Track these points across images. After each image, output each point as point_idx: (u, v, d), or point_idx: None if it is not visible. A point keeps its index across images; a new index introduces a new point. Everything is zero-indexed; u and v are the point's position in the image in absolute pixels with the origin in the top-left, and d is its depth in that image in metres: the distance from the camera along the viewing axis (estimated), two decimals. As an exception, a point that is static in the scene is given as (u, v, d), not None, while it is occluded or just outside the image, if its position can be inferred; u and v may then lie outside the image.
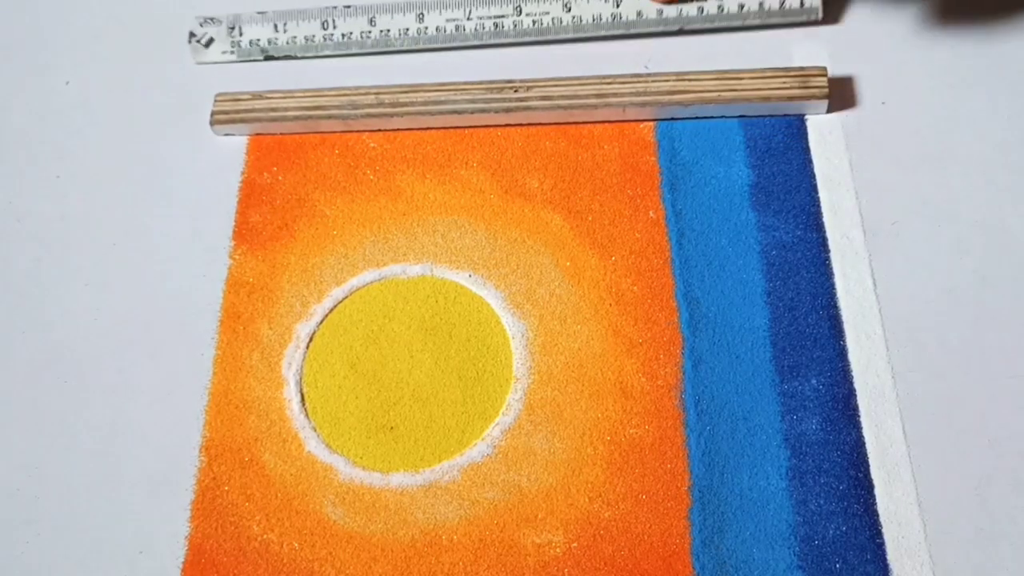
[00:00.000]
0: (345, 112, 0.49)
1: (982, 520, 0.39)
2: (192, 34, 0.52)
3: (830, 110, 0.48)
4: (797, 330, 0.43)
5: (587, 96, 0.48)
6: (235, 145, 0.51)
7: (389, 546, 0.40)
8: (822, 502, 0.40)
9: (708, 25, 0.50)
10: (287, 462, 0.42)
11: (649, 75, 0.49)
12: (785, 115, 0.48)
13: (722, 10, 0.50)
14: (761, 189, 0.46)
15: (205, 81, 0.52)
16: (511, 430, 0.42)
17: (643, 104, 0.48)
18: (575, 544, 0.40)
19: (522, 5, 0.51)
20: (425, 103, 0.49)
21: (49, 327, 0.46)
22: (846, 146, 0.47)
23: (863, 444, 0.40)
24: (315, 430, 0.43)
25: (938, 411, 0.41)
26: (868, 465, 0.40)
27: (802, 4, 0.50)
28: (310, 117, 0.50)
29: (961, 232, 0.44)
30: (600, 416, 0.42)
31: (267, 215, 0.48)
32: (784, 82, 0.47)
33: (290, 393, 0.44)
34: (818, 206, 0.46)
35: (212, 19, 0.52)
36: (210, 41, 0.52)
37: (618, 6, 0.50)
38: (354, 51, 0.52)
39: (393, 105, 0.49)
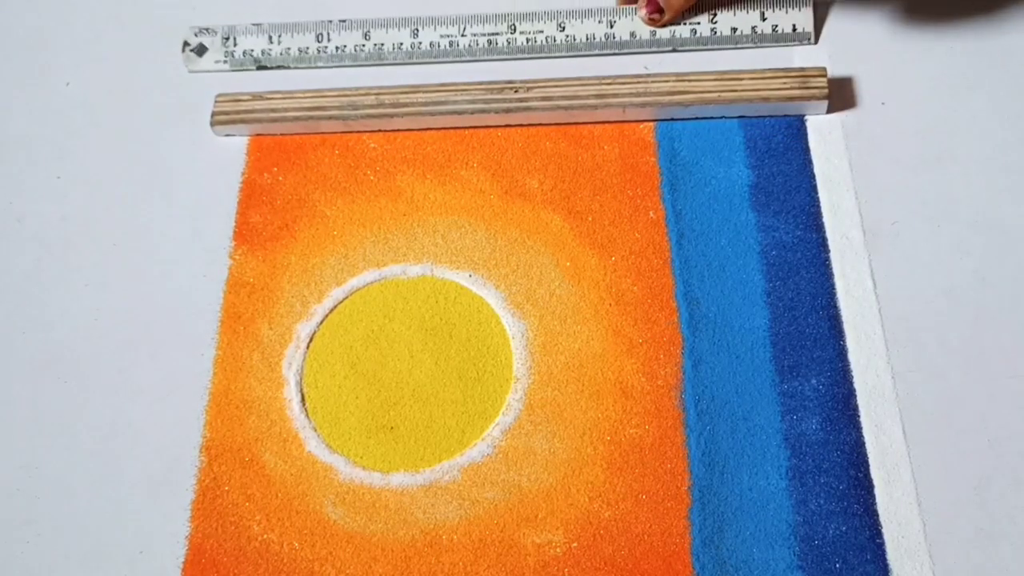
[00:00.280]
0: (345, 113, 0.49)
1: (982, 520, 0.39)
2: (186, 43, 0.52)
3: (830, 110, 0.48)
4: (797, 330, 0.43)
5: (587, 96, 0.48)
6: (235, 145, 0.51)
7: (389, 546, 0.40)
8: (822, 502, 0.40)
9: (701, 47, 0.50)
10: (287, 462, 0.42)
11: (649, 76, 0.49)
12: (785, 115, 0.48)
13: (715, 32, 0.50)
14: (761, 189, 0.46)
15: (205, 82, 0.53)
16: (511, 430, 0.42)
17: (643, 104, 0.48)
18: (575, 544, 0.40)
19: (516, 23, 0.51)
20: (425, 103, 0.49)
21: (49, 327, 0.47)
22: (846, 146, 0.47)
23: (863, 444, 0.40)
24: (315, 430, 0.43)
25: (938, 411, 0.41)
26: (868, 465, 0.40)
27: (795, 29, 0.50)
28: (310, 118, 0.50)
29: (961, 232, 0.44)
30: (600, 416, 0.42)
31: (267, 215, 0.48)
32: (784, 83, 0.48)
33: (290, 393, 0.44)
34: (818, 206, 0.46)
35: (207, 29, 0.52)
36: (203, 50, 0.52)
37: (612, 26, 0.50)
38: (347, 63, 0.52)
39: (393, 106, 0.49)
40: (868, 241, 0.45)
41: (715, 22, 0.50)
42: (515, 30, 0.51)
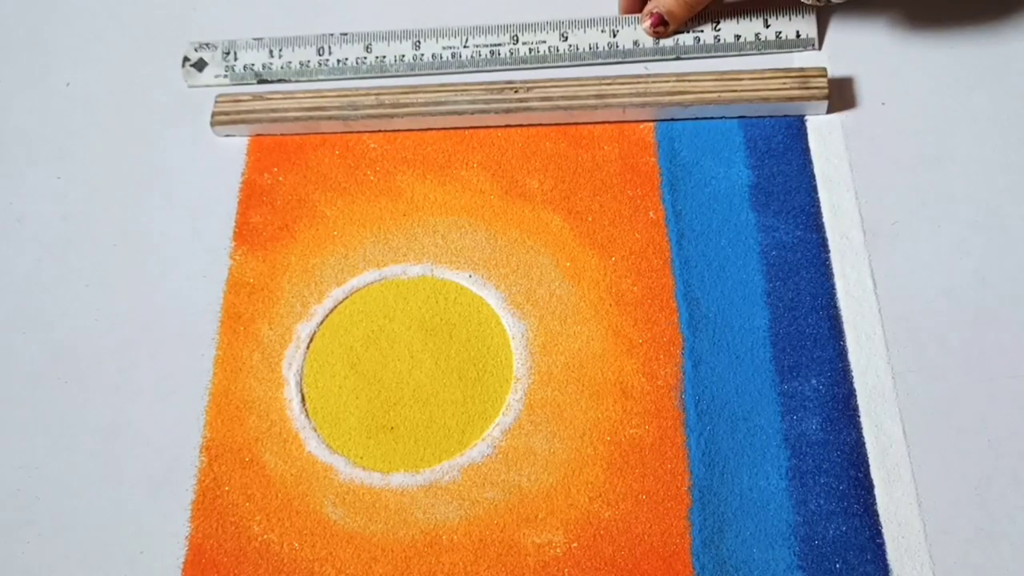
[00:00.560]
0: (345, 113, 0.49)
1: (982, 520, 0.39)
2: (186, 58, 0.52)
3: (830, 111, 0.48)
4: (797, 330, 0.43)
5: (587, 97, 0.48)
6: (236, 146, 0.51)
7: (389, 546, 0.40)
8: (822, 502, 0.40)
9: (704, 54, 0.50)
10: (287, 462, 0.42)
11: (649, 76, 0.49)
12: (785, 116, 0.48)
13: (719, 40, 0.50)
14: (761, 189, 0.46)
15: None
16: (511, 430, 0.42)
17: (643, 105, 0.48)
18: (575, 544, 0.40)
19: (519, 35, 0.51)
20: (425, 104, 0.49)
21: (50, 327, 0.47)
22: (846, 146, 0.47)
23: (863, 444, 0.40)
24: (315, 430, 0.43)
25: (938, 411, 0.41)
26: (868, 465, 0.40)
27: (798, 35, 0.50)
28: (310, 118, 0.50)
29: (961, 232, 0.44)
30: (600, 416, 0.42)
31: (268, 216, 0.48)
32: (784, 83, 0.48)
33: (290, 393, 0.44)
34: (818, 206, 0.46)
35: (207, 44, 0.52)
36: (203, 65, 0.52)
37: (615, 36, 0.50)
38: (348, 75, 0.52)
39: (393, 106, 0.49)
40: (868, 241, 0.45)
41: (718, 30, 0.50)
42: (517, 40, 0.51)
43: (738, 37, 0.50)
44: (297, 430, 0.43)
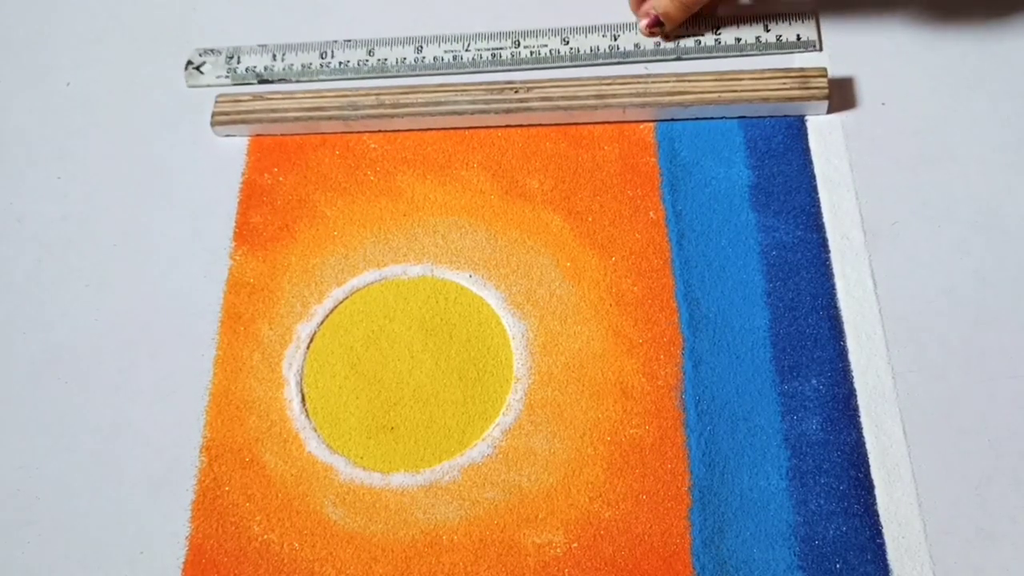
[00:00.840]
0: (346, 113, 0.49)
1: (982, 520, 0.39)
2: (189, 62, 0.52)
3: (830, 111, 0.48)
4: (797, 330, 0.43)
5: (587, 97, 0.48)
6: (236, 146, 0.51)
7: (389, 546, 0.40)
8: (822, 502, 0.40)
9: (705, 55, 0.50)
10: (288, 462, 0.42)
11: (649, 76, 0.49)
12: (785, 116, 0.48)
13: (719, 43, 0.50)
14: (761, 190, 0.46)
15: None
16: (511, 430, 0.42)
17: (643, 105, 0.48)
18: (575, 544, 0.40)
19: (520, 39, 0.51)
20: (425, 104, 0.49)
21: (50, 327, 0.47)
22: (846, 147, 0.47)
23: (863, 444, 0.40)
24: (316, 430, 0.43)
25: (938, 411, 0.41)
26: (868, 465, 0.40)
27: (799, 38, 0.50)
28: (311, 118, 0.50)
29: (961, 232, 0.44)
30: (600, 416, 0.42)
31: (268, 216, 0.48)
32: (784, 83, 0.48)
33: (291, 393, 0.44)
34: (818, 206, 0.46)
35: (211, 50, 0.52)
36: (204, 66, 0.52)
37: (616, 39, 0.50)
38: (350, 76, 0.52)
39: (394, 106, 0.49)
40: (868, 241, 0.45)
41: (719, 33, 0.50)
42: (519, 44, 0.51)
43: (738, 40, 0.50)
44: (297, 430, 0.43)
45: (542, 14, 0.52)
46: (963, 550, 0.38)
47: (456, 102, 0.49)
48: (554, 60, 0.51)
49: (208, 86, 0.52)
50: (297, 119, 0.50)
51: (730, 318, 0.44)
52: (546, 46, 0.51)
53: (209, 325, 0.46)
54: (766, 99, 0.47)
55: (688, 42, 0.50)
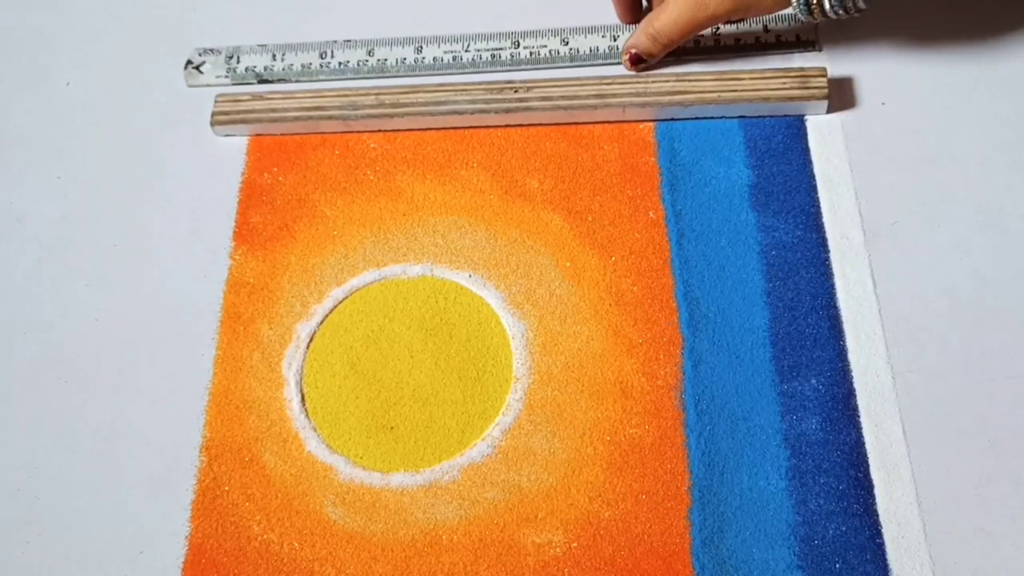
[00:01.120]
0: (345, 113, 0.49)
1: (982, 520, 0.39)
2: (189, 61, 0.52)
3: (830, 110, 0.48)
4: (797, 330, 0.43)
5: (587, 97, 0.48)
6: (235, 145, 0.51)
7: (389, 546, 0.40)
8: (822, 502, 0.40)
9: (704, 55, 0.50)
10: (287, 462, 0.42)
11: (649, 76, 0.49)
12: (785, 115, 0.48)
13: (718, 43, 0.50)
14: (761, 189, 0.46)
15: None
16: (511, 430, 0.42)
17: (643, 104, 0.48)
18: (575, 544, 0.40)
19: (520, 40, 0.51)
20: (425, 103, 0.49)
21: (50, 327, 0.47)
22: (846, 146, 0.47)
23: (863, 444, 0.40)
24: (315, 430, 0.43)
25: (938, 411, 0.41)
26: (868, 465, 0.40)
27: (798, 38, 0.50)
28: (310, 118, 0.50)
29: (961, 232, 0.44)
30: (600, 416, 0.42)
31: (267, 215, 0.48)
32: (784, 83, 0.48)
33: (290, 393, 0.44)
34: (818, 206, 0.46)
35: (211, 50, 0.52)
36: (204, 65, 0.52)
37: (615, 40, 0.50)
38: (349, 76, 0.52)
39: (393, 106, 0.49)
40: (868, 241, 0.45)
41: (718, 33, 0.50)
42: (519, 45, 0.51)
43: (738, 40, 0.50)
44: (297, 430, 0.43)
45: (542, 15, 0.52)
46: (963, 550, 0.38)
47: (456, 102, 0.49)
48: (553, 61, 0.51)
49: (208, 86, 0.52)
50: (297, 119, 0.50)
51: (730, 318, 0.44)
52: (545, 46, 0.51)
53: (209, 325, 0.46)
54: (766, 99, 0.47)
55: (687, 43, 0.50)
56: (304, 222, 0.48)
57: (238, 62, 0.52)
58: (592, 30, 0.51)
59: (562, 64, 0.51)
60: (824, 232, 0.45)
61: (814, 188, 0.46)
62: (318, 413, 0.43)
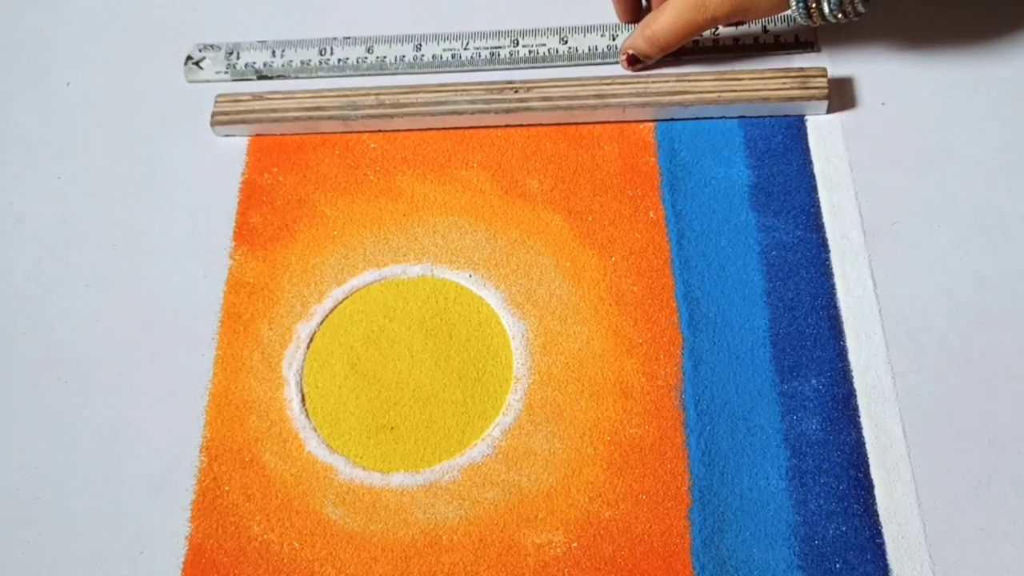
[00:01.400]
0: (345, 113, 0.49)
1: (982, 520, 0.39)
2: (189, 57, 0.52)
3: (830, 111, 0.48)
4: (797, 330, 0.43)
5: (587, 97, 0.48)
6: (236, 146, 0.51)
7: (389, 546, 0.40)
8: (822, 502, 0.40)
9: (704, 56, 0.50)
10: (287, 462, 0.42)
11: (648, 76, 0.49)
12: (785, 116, 0.48)
13: (717, 43, 0.50)
14: (761, 189, 0.46)
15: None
16: (511, 430, 0.42)
17: (643, 105, 0.48)
18: (575, 544, 0.40)
19: (519, 38, 0.51)
20: (425, 104, 0.49)
21: (50, 327, 0.47)
22: (846, 146, 0.47)
23: (863, 444, 0.41)
24: (315, 430, 0.43)
25: (938, 411, 0.41)
26: (868, 465, 0.40)
27: (797, 39, 0.50)
28: (310, 118, 0.50)
29: (961, 232, 0.44)
30: (600, 416, 0.42)
31: (268, 216, 0.48)
32: (784, 83, 0.48)
33: (290, 393, 0.44)
34: (818, 206, 0.46)
35: (211, 46, 0.52)
36: (203, 61, 0.52)
37: (614, 39, 0.50)
38: (348, 73, 0.52)
39: (393, 106, 0.49)
40: (868, 241, 0.45)
41: (716, 34, 0.50)
42: (518, 43, 0.51)
43: (736, 40, 0.50)
44: (297, 430, 0.43)
45: (541, 13, 0.52)
46: (963, 550, 0.38)
47: (456, 102, 0.49)
48: (552, 59, 0.51)
49: (207, 81, 0.52)
50: (297, 119, 0.50)
51: (730, 318, 0.44)
52: (544, 45, 0.51)
53: (209, 325, 0.46)
54: (766, 99, 0.47)
55: (686, 43, 0.50)
56: (304, 222, 0.48)
57: (238, 58, 0.52)
58: (591, 29, 0.51)
59: (561, 63, 0.51)
60: (824, 232, 0.45)
61: (814, 188, 0.46)
62: (318, 413, 0.43)
